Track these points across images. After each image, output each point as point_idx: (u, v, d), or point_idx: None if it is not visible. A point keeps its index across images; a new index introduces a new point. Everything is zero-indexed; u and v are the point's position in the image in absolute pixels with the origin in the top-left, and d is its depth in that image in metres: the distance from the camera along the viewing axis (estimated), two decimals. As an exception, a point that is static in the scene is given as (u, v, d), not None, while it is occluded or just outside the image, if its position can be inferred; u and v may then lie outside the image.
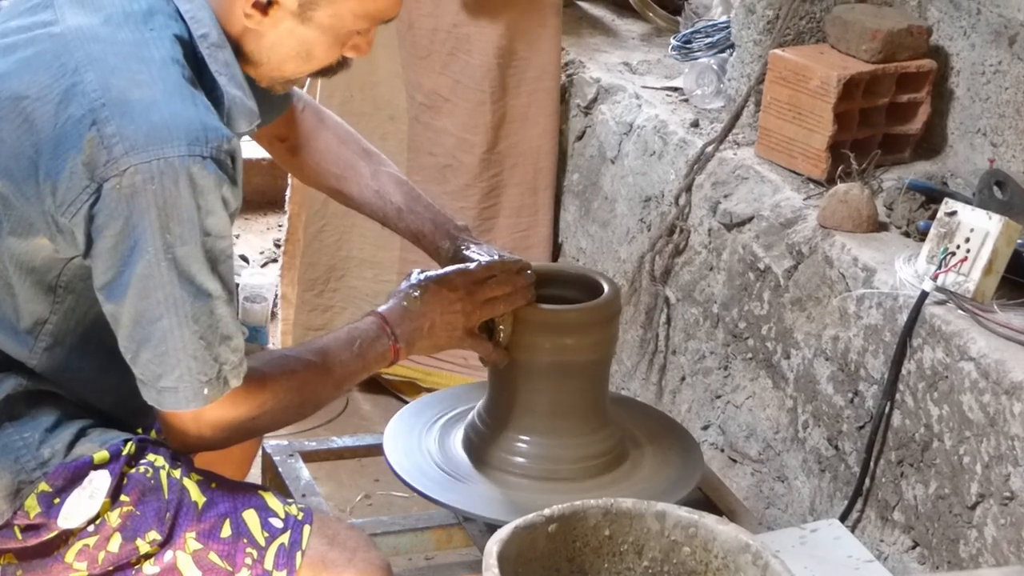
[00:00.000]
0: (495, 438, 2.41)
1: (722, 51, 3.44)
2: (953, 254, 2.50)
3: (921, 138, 3.12)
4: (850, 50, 3.03)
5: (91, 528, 1.92)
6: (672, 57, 3.59)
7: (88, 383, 2.00)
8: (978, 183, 2.75)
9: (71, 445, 1.93)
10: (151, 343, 1.84)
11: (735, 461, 3.09)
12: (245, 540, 1.95)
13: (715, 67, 3.43)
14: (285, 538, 1.97)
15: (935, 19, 3.11)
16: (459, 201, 3.58)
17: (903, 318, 2.56)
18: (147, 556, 1.94)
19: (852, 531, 2.64)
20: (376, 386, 3.70)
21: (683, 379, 3.28)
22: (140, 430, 2.02)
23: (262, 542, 1.96)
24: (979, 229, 2.49)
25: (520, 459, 2.38)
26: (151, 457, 1.96)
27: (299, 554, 1.96)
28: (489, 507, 2.34)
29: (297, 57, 1.97)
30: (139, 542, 1.93)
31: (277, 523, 1.98)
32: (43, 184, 1.81)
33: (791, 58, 3.05)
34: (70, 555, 1.93)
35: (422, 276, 2.23)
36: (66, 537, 1.93)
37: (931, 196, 2.79)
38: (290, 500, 2.04)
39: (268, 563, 1.95)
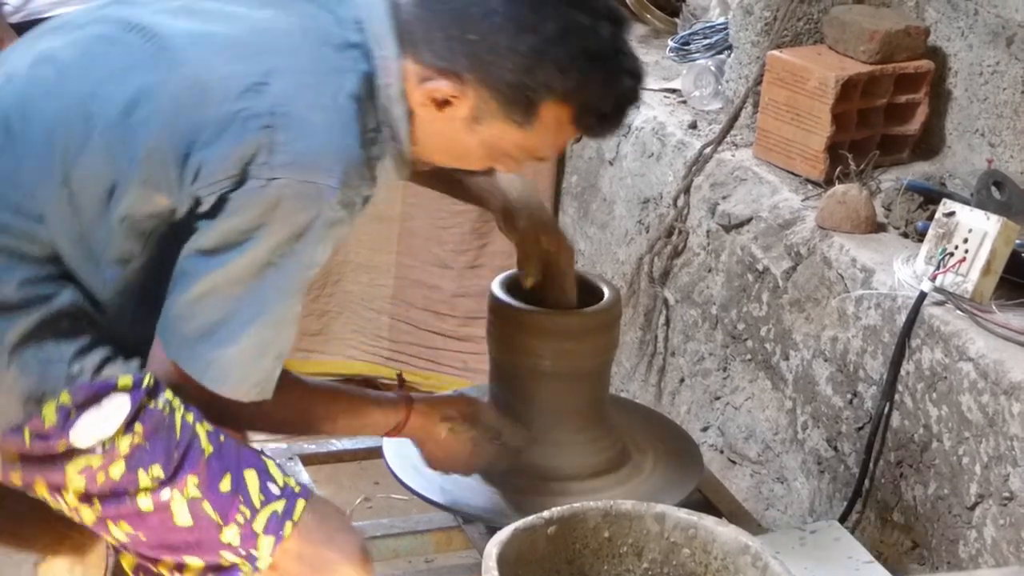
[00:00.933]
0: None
1: (720, 52, 3.44)
2: (951, 254, 2.50)
3: (919, 139, 3.12)
4: (848, 51, 3.03)
5: (99, 449, 1.94)
6: (670, 58, 3.59)
7: (137, 331, 2.02)
8: (976, 183, 2.75)
9: (100, 368, 1.96)
10: (217, 321, 1.89)
11: (734, 462, 3.09)
12: (241, 498, 1.98)
13: (713, 68, 3.43)
14: (280, 505, 1.99)
15: (933, 20, 3.11)
16: (459, 204, 3.57)
17: (902, 319, 2.56)
18: (145, 490, 1.96)
19: (852, 532, 2.64)
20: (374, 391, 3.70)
21: (682, 380, 3.28)
22: None
23: (257, 504, 1.98)
24: (977, 229, 2.49)
25: (520, 461, 2.38)
26: (168, 395, 1.98)
27: (289, 523, 1.99)
28: (489, 509, 2.34)
29: (449, 154, 2.02)
30: (141, 474, 1.95)
31: (275, 489, 2.00)
32: (194, 154, 1.84)
33: (789, 59, 3.06)
34: (72, 469, 1.94)
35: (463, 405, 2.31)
36: (71, 453, 1.95)
37: (929, 197, 2.79)
38: (290, 474, 2.07)
39: (258, 525, 1.98)
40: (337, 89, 1.88)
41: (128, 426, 1.94)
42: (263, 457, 2.04)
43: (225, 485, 1.97)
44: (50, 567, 2.04)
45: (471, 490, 2.37)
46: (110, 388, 1.94)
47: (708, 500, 2.57)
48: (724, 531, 1.96)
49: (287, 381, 2.02)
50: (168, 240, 1.92)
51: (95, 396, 1.94)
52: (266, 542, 1.98)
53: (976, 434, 2.41)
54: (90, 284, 1.95)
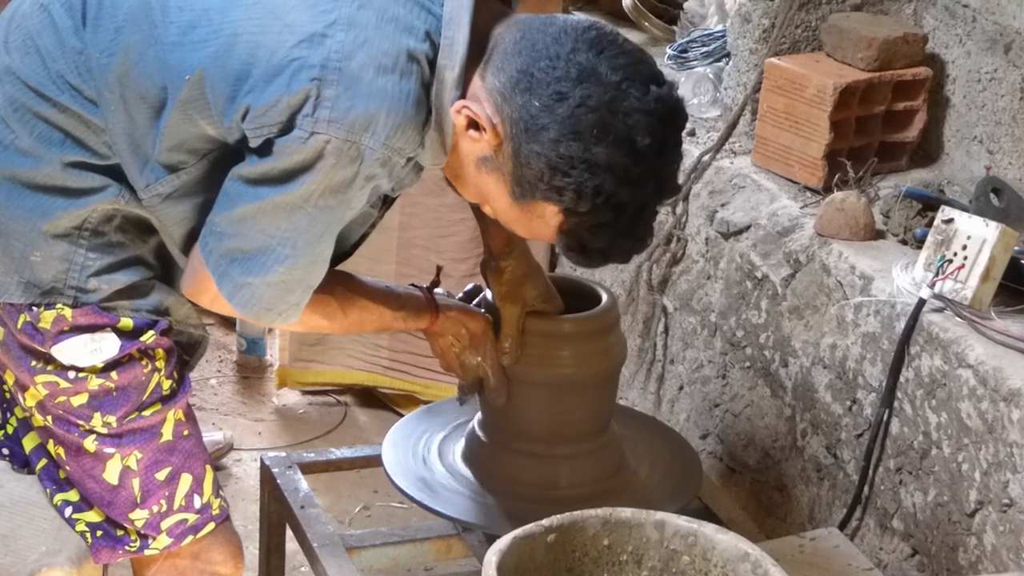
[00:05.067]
0: (493, 449, 2.40)
1: (718, 60, 3.44)
2: (950, 261, 2.50)
3: (918, 146, 3.12)
4: (846, 58, 3.04)
5: (72, 374, 2.00)
6: (668, 66, 3.59)
7: (177, 248, 2.05)
8: (975, 190, 2.75)
9: (117, 295, 1.99)
10: (250, 250, 1.90)
11: (734, 470, 3.09)
12: (167, 493, 2.07)
13: (711, 76, 3.43)
14: (192, 518, 2.10)
15: (931, 27, 3.11)
16: (458, 212, 3.57)
17: (901, 326, 2.56)
18: (93, 432, 2.03)
19: (851, 539, 2.64)
20: (373, 399, 3.70)
21: (681, 388, 3.28)
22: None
23: (175, 506, 2.08)
24: (976, 236, 2.49)
25: (518, 469, 2.38)
26: (159, 358, 2.03)
27: (191, 538, 2.11)
28: (488, 517, 2.34)
29: (452, 168, 1.97)
30: (97, 417, 2.02)
31: (197, 503, 2.10)
32: (241, 97, 1.84)
33: (787, 67, 3.06)
34: (41, 376, 2.00)
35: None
36: (48, 361, 2.00)
37: (928, 204, 2.80)
38: (223, 493, 2.15)
39: (166, 523, 2.08)
40: (399, 49, 1.83)
41: (106, 369, 2.00)
42: (208, 467, 2.12)
43: (161, 475, 2.06)
44: (46, 577, 2.06)
45: (470, 498, 2.36)
46: (109, 324, 1.99)
47: (707, 508, 2.57)
48: (724, 538, 1.96)
49: (330, 288, 2.05)
50: (226, 162, 1.93)
51: (93, 325, 1.98)
52: (164, 540, 2.09)
53: (975, 441, 2.41)
54: (135, 181, 1.96)
